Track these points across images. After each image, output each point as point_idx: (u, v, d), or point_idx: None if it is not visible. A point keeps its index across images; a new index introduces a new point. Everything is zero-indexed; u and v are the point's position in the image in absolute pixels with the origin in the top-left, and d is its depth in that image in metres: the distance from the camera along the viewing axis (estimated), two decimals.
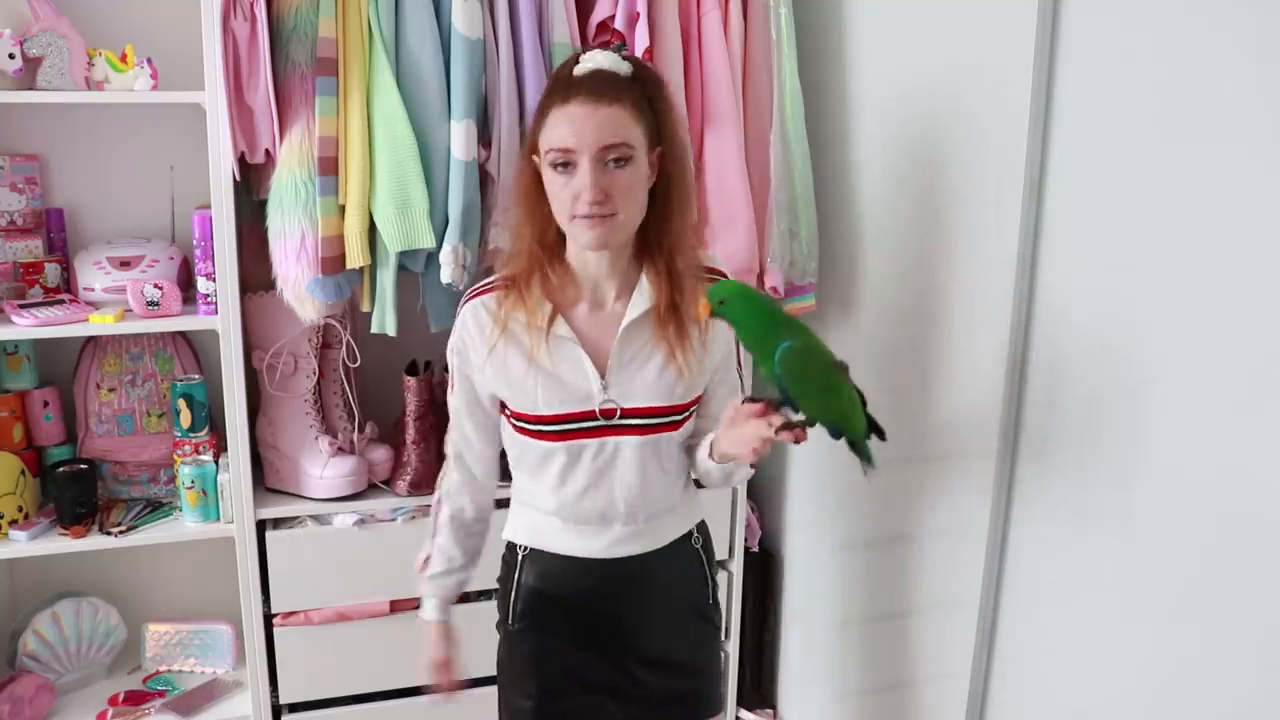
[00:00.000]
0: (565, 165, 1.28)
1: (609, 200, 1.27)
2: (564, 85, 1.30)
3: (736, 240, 1.86)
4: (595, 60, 1.31)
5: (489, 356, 1.38)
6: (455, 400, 1.46)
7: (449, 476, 1.51)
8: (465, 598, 2.00)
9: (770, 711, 2.32)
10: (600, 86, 1.27)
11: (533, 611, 1.48)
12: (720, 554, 2.14)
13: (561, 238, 1.38)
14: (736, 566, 2.17)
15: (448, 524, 1.52)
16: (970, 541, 1.59)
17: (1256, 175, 1.11)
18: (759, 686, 2.35)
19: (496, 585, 1.54)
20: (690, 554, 1.52)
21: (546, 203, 1.34)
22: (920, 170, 1.71)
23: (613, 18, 1.80)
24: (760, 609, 2.29)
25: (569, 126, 1.26)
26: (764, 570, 2.29)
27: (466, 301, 1.41)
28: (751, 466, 1.40)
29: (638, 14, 1.78)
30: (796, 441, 1.23)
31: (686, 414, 1.42)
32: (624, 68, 1.31)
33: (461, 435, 1.47)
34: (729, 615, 2.19)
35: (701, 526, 1.55)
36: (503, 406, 1.44)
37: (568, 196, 1.28)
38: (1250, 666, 1.16)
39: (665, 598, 1.48)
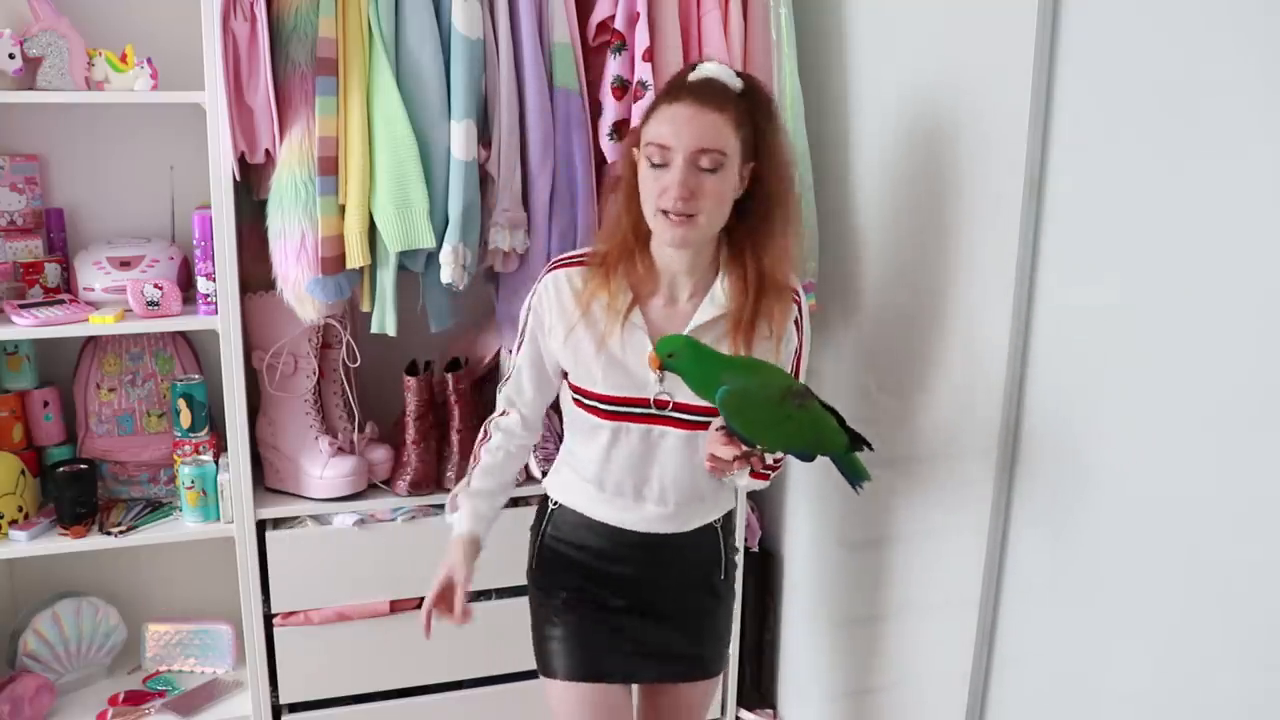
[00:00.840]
0: (660, 162, 1.35)
1: (693, 200, 1.35)
2: (676, 87, 1.41)
3: None
4: (710, 70, 1.40)
5: (567, 336, 1.46)
6: (520, 359, 1.53)
7: (506, 417, 1.57)
8: (482, 594, 2.01)
9: (770, 711, 2.32)
10: (708, 93, 1.37)
11: (552, 560, 1.59)
12: None
13: (650, 231, 1.44)
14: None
15: (491, 451, 1.57)
16: (970, 541, 1.59)
17: (1258, 175, 1.11)
18: (759, 686, 2.35)
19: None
20: (710, 535, 1.59)
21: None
22: (920, 170, 1.71)
23: (613, 18, 1.80)
24: (760, 609, 2.30)
25: (670, 125, 1.36)
26: (764, 570, 2.29)
27: (550, 270, 1.50)
28: (755, 476, 1.47)
29: (638, 14, 1.78)
30: (751, 472, 1.38)
31: None
32: (736, 82, 1.40)
33: (518, 387, 1.56)
34: None
35: (729, 515, 1.63)
36: (565, 374, 1.52)
37: (656, 190, 1.37)
38: (1250, 666, 1.16)
39: (676, 569, 1.57)
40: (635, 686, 1.66)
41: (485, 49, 1.76)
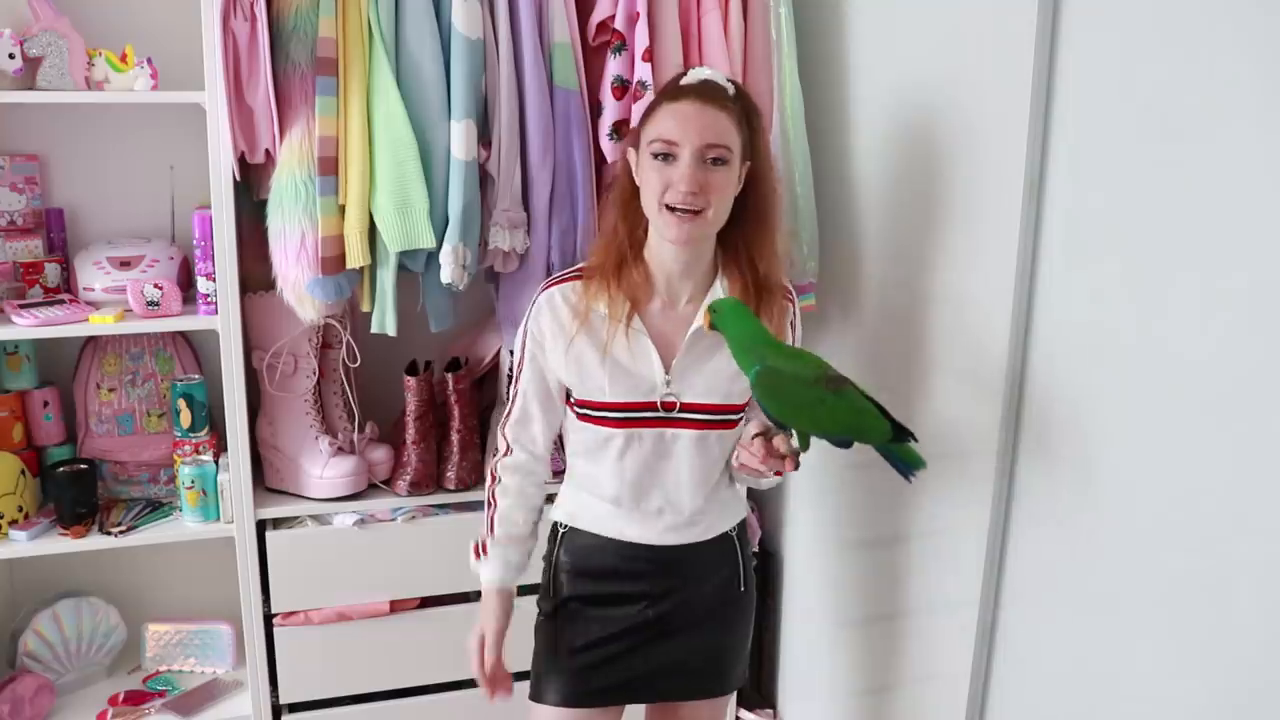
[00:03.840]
0: (667, 156, 1.37)
1: (702, 194, 1.36)
2: (674, 88, 1.43)
3: None
4: (705, 73, 1.44)
5: (567, 349, 1.46)
6: (524, 386, 1.52)
7: (511, 456, 1.55)
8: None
9: (770, 711, 2.32)
10: (709, 93, 1.39)
11: (567, 586, 1.55)
12: None
13: (646, 236, 1.45)
14: None
15: (506, 493, 1.55)
16: (970, 541, 1.59)
17: (1257, 175, 1.11)
18: (759, 686, 2.35)
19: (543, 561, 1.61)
20: (728, 546, 1.58)
21: (640, 202, 1.42)
22: (920, 170, 1.71)
23: (613, 18, 1.80)
24: (760, 609, 2.28)
25: (675, 121, 1.37)
26: (764, 570, 2.29)
27: (545, 289, 1.49)
28: (776, 474, 1.46)
29: (638, 14, 1.78)
30: (794, 468, 1.36)
31: (742, 414, 1.49)
32: (729, 85, 1.42)
33: (524, 418, 1.53)
34: None
35: (743, 523, 1.62)
36: (568, 395, 1.51)
37: (661, 184, 1.37)
38: (1250, 665, 1.16)
39: (695, 581, 1.55)
40: (645, 706, 1.64)
41: (485, 49, 1.76)
